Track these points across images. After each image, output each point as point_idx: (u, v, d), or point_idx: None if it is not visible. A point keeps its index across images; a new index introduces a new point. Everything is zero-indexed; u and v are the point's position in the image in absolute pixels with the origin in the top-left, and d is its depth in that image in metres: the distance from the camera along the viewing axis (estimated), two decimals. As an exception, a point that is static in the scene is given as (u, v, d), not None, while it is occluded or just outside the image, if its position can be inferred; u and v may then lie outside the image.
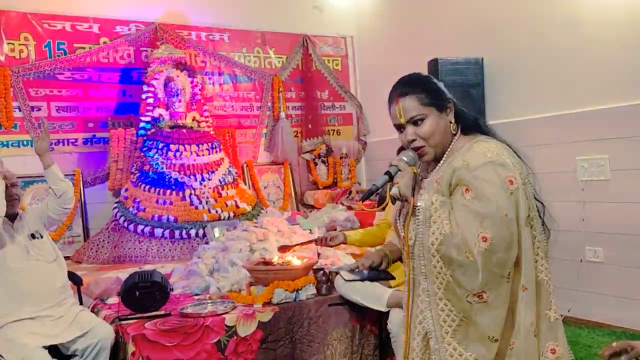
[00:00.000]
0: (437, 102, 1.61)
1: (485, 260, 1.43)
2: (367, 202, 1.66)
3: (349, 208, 5.00)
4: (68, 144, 4.62)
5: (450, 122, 1.62)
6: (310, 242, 3.34)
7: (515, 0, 4.18)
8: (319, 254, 3.40)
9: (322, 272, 3.08)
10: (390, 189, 1.57)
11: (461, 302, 1.48)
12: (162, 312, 2.76)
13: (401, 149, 1.68)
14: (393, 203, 1.58)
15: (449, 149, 1.61)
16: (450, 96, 1.65)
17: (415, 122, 1.59)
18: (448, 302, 1.50)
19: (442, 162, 1.61)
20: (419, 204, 1.53)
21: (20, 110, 4.42)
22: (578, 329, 3.68)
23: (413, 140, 1.59)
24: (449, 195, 1.54)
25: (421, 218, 1.52)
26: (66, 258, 3.26)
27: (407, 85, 1.62)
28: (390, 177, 1.58)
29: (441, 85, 1.67)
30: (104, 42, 4.76)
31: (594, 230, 3.70)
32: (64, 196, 2.90)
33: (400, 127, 1.62)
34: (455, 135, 1.63)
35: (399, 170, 1.58)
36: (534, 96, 4.06)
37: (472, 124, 1.66)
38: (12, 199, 2.78)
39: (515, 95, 4.19)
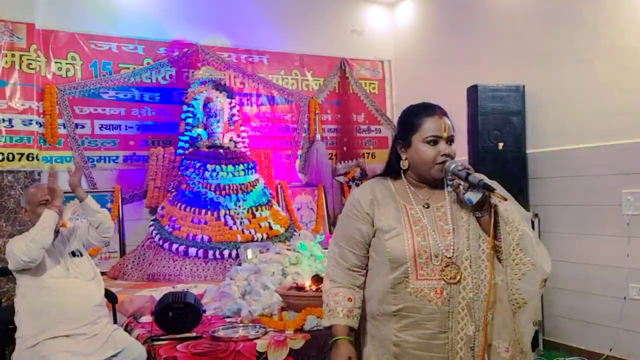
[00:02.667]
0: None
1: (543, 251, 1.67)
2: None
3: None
4: (109, 161, 4.73)
5: None
6: None
7: (558, 27, 4.11)
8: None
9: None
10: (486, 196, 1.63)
11: (535, 286, 1.60)
12: (194, 335, 2.76)
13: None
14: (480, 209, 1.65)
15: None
16: None
17: (449, 141, 1.70)
18: (517, 290, 1.62)
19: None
20: (501, 208, 1.63)
21: (64, 127, 4.55)
22: (620, 370, 3.53)
23: (446, 155, 1.67)
24: None
25: (506, 219, 1.62)
26: (102, 274, 3.31)
27: (444, 109, 1.75)
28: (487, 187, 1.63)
29: None
30: (147, 63, 4.89)
31: (639, 267, 3.55)
32: (101, 227, 2.93)
33: (434, 141, 1.68)
34: None
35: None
36: (577, 125, 3.95)
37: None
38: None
39: (558, 124, 4.09)
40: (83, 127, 4.65)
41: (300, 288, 3.04)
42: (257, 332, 2.80)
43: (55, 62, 4.57)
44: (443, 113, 1.72)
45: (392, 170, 1.78)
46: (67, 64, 4.63)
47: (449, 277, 1.59)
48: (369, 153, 5.92)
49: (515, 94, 4.24)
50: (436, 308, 1.58)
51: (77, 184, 2.89)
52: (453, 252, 1.61)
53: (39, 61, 4.44)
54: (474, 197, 1.60)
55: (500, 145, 4.12)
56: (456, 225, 1.65)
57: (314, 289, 3.02)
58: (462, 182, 1.62)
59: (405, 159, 1.72)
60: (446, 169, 1.66)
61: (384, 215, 1.68)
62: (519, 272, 1.61)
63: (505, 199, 1.60)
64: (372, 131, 5.97)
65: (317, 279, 3.10)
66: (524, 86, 4.26)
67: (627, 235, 3.59)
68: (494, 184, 1.65)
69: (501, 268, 1.64)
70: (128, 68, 4.81)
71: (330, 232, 5.41)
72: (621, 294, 3.62)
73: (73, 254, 2.85)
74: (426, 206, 1.69)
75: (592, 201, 3.80)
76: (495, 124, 4.15)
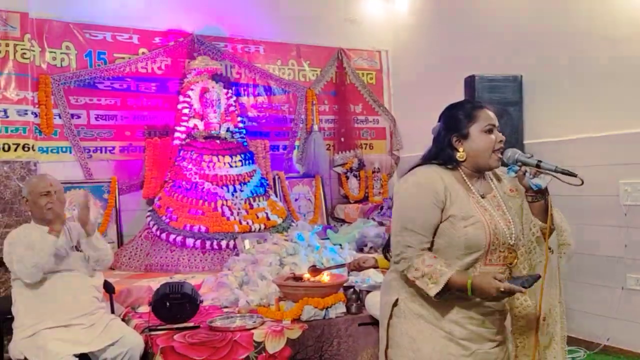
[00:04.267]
0: None
1: None
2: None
3: (380, 224, 4.94)
4: (105, 152, 4.70)
5: None
6: (341, 266, 3.31)
7: (555, 17, 4.08)
8: (349, 272, 3.36)
9: (352, 290, 3.04)
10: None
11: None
12: (192, 324, 2.77)
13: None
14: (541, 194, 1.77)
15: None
16: None
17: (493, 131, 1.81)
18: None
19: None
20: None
21: (60, 118, 4.52)
22: (616, 359, 3.54)
23: (502, 142, 1.78)
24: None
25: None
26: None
27: None
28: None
29: None
30: (143, 53, 4.85)
31: (636, 257, 3.56)
32: (99, 263, 2.91)
33: (490, 130, 1.78)
34: None
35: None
36: (575, 116, 3.94)
37: None
38: (53, 206, 2.82)
39: (556, 114, 4.08)
40: (79, 117, 4.62)
41: (298, 278, 3.04)
42: (255, 322, 2.80)
43: (50, 52, 4.53)
44: (485, 105, 1.86)
45: (446, 161, 1.81)
46: (61, 53, 4.58)
47: (509, 262, 1.76)
48: (366, 144, 5.91)
49: (512, 84, 4.23)
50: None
51: (85, 221, 2.79)
52: (514, 240, 1.75)
53: (33, 51, 4.40)
54: (542, 182, 1.72)
55: (498, 135, 4.10)
56: (511, 214, 1.78)
57: (311, 280, 3.02)
58: (528, 169, 1.73)
59: (462, 150, 1.78)
60: (510, 157, 1.76)
61: (458, 203, 1.73)
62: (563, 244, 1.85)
63: (582, 182, 1.70)
64: (370, 122, 5.95)
65: (315, 270, 3.10)
66: (521, 76, 4.24)
67: (625, 225, 3.59)
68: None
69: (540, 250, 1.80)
70: (123, 58, 4.77)
71: (328, 223, 5.41)
72: (619, 285, 3.63)
73: (75, 247, 2.83)
74: (483, 196, 1.79)
75: (590, 192, 3.77)
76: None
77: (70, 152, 4.55)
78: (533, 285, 1.67)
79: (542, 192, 1.75)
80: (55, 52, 4.56)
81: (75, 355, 2.54)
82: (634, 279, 3.57)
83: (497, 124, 1.80)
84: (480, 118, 1.78)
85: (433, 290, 1.64)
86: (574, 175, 1.69)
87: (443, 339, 1.71)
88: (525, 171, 1.74)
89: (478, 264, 1.72)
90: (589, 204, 3.81)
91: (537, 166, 1.72)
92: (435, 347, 1.71)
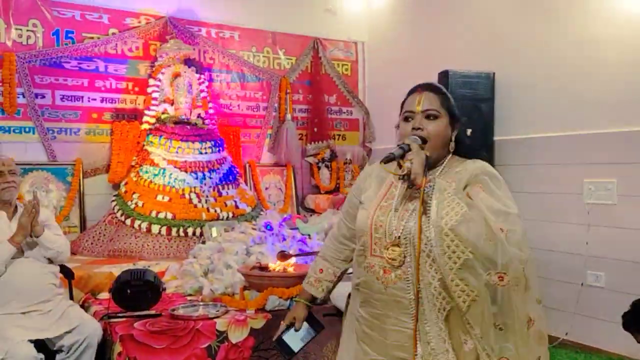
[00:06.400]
0: (452, 114, 1.65)
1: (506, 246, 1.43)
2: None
3: (350, 215, 4.94)
4: (71, 134, 4.57)
5: (451, 140, 1.66)
6: (312, 253, 3.30)
7: (529, 16, 4.12)
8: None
9: (318, 280, 3.03)
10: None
11: (480, 280, 1.42)
12: (153, 312, 2.72)
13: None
14: (402, 179, 1.53)
15: (442, 164, 1.63)
16: (460, 120, 1.69)
17: (428, 116, 1.61)
18: (461, 281, 1.42)
19: (438, 172, 1.61)
20: (431, 183, 1.48)
21: (24, 97, 4.37)
22: (574, 353, 3.63)
23: (419, 129, 1.58)
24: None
25: (434, 199, 1.45)
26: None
27: (435, 86, 1.68)
28: (404, 152, 1.53)
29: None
30: (113, 33, 4.72)
31: (597, 255, 3.64)
32: (56, 258, 2.83)
33: (408, 118, 1.62)
34: (450, 153, 1.66)
35: (410, 149, 1.54)
36: (544, 115, 4.00)
37: (468, 149, 1.70)
38: (9, 186, 2.73)
39: (525, 113, 4.13)
40: (43, 97, 4.47)
41: (263, 268, 3.02)
42: (218, 311, 2.77)
43: (16, 29, 4.37)
44: (426, 89, 1.64)
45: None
46: (28, 30, 4.42)
47: (392, 259, 1.52)
48: (339, 135, 5.89)
49: (485, 81, 4.25)
50: (382, 287, 1.55)
51: (26, 227, 2.64)
52: (400, 233, 1.52)
53: (-3, 26, 4.25)
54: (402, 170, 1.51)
55: (469, 131, 4.13)
56: (414, 208, 1.53)
57: (278, 269, 3.00)
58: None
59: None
60: None
61: (368, 189, 1.71)
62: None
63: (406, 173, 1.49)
64: (344, 113, 5.93)
65: (284, 255, 3.09)
66: (494, 74, 4.27)
67: (587, 223, 3.67)
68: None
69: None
70: (92, 38, 4.64)
71: (298, 213, 5.38)
72: (579, 281, 3.70)
73: (30, 236, 2.74)
74: (411, 186, 1.54)
75: (555, 189, 3.87)
76: (464, 110, 4.13)
77: (34, 133, 4.41)
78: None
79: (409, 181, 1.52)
80: (21, 29, 4.40)
81: (32, 341, 2.48)
82: (594, 276, 3.66)
83: (418, 109, 1.60)
84: (404, 105, 1.66)
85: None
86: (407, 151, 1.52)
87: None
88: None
89: (366, 252, 1.59)
90: (552, 201, 3.88)
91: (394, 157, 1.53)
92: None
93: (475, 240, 1.41)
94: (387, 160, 1.52)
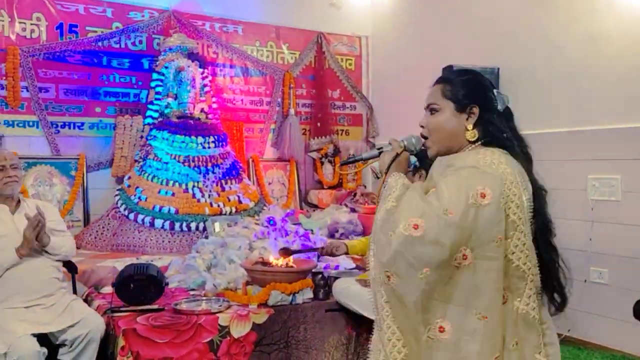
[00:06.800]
0: (458, 99, 1.51)
1: (402, 243, 1.33)
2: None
3: (353, 210, 4.94)
4: (74, 128, 4.57)
5: (467, 128, 1.51)
6: (314, 249, 3.30)
7: (535, 11, 4.09)
8: (318, 257, 3.36)
9: (320, 276, 3.03)
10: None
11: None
12: (156, 307, 2.73)
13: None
14: (375, 177, 1.63)
15: (457, 154, 1.51)
16: (499, 106, 1.53)
17: (431, 110, 1.56)
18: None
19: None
20: (388, 179, 1.50)
21: (27, 91, 4.37)
22: (577, 350, 3.62)
23: (422, 127, 1.58)
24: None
25: (383, 195, 1.47)
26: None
27: (442, 77, 1.61)
28: (379, 153, 1.63)
29: (494, 92, 1.53)
30: (117, 27, 4.71)
31: (600, 251, 3.63)
32: (60, 259, 2.84)
33: (426, 110, 1.60)
34: (472, 143, 1.51)
35: (380, 154, 1.61)
36: (549, 110, 3.98)
37: (500, 140, 1.52)
38: (10, 180, 2.74)
39: (530, 108, 4.10)
40: (47, 91, 4.47)
41: (266, 263, 3.02)
42: (220, 305, 2.78)
43: (20, 22, 4.37)
44: (438, 80, 1.58)
45: None
46: (31, 24, 4.42)
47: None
48: (343, 130, 5.88)
49: (490, 76, 4.22)
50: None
51: (31, 239, 2.62)
52: None
53: (2, 21, 4.24)
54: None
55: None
56: None
57: (280, 264, 3.00)
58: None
59: None
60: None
61: None
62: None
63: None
64: (347, 108, 5.92)
65: (286, 251, 3.09)
66: (498, 69, 4.25)
67: (591, 220, 3.66)
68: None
69: None
70: (95, 31, 4.63)
71: (301, 208, 5.39)
72: (582, 277, 3.69)
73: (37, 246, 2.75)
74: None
75: (559, 185, 3.83)
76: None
77: (37, 127, 4.42)
78: None
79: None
80: (25, 23, 4.39)
81: (35, 335, 2.49)
82: (597, 272, 3.65)
83: (425, 105, 1.57)
84: None
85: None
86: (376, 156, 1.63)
87: None
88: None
89: None
90: (556, 198, 3.85)
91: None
92: None
93: (371, 238, 1.46)
94: (345, 163, 1.66)
